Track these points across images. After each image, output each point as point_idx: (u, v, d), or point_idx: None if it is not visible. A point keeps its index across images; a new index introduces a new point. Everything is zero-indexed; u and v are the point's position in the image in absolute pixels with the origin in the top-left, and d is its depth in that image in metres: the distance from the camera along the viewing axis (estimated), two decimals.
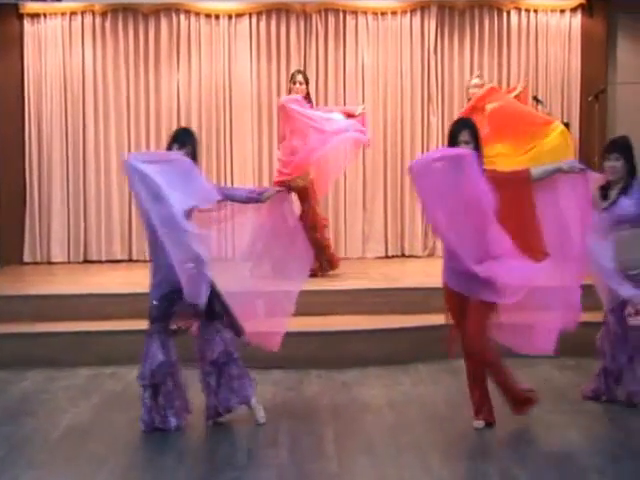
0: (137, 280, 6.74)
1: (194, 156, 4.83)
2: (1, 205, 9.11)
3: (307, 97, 7.64)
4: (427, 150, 9.14)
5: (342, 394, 5.63)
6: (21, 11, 9.16)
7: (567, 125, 8.76)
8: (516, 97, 7.60)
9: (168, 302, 4.79)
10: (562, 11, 9.36)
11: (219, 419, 4.94)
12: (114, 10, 9.17)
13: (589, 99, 8.95)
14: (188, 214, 4.68)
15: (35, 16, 9.18)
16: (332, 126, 7.47)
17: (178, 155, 4.78)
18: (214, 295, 4.78)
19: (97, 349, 6.39)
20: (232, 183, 9.14)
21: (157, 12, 9.23)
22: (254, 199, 5.02)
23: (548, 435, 4.80)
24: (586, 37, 9.31)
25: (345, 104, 9.16)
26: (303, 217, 7.55)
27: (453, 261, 4.67)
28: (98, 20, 9.19)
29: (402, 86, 9.33)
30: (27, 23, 9.20)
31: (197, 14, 9.26)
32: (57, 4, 9.09)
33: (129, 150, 9.15)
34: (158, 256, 4.73)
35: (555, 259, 4.74)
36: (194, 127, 9.17)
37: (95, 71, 9.23)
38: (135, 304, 5.95)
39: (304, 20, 9.28)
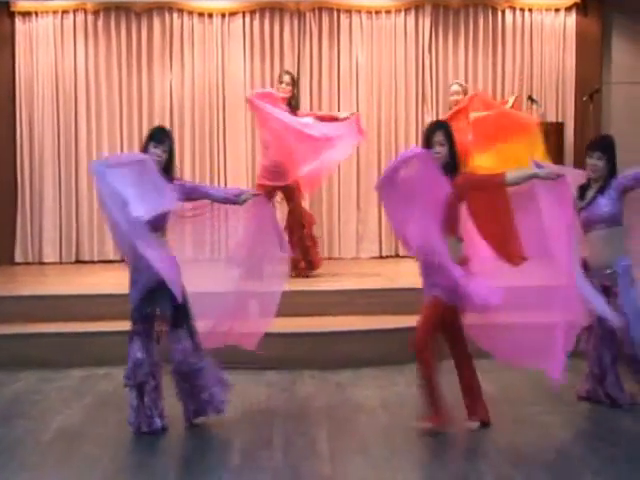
0: None
1: (171, 154, 4.85)
2: None
3: (290, 99, 7.47)
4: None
5: (336, 395, 5.61)
6: (12, 9, 9.13)
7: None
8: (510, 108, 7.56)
9: (147, 303, 4.79)
10: (557, 10, 9.36)
11: (195, 421, 4.93)
12: (106, 8, 9.14)
13: (584, 99, 8.95)
14: (161, 218, 4.69)
15: (26, 14, 9.14)
16: (320, 130, 7.32)
17: (141, 156, 4.82)
18: (183, 302, 4.76)
19: (90, 350, 6.35)
20: (225, 182, 9.12)
21: (150, 11, 9.19)
22: (231, 200, 5.00)
23: (543, 435, 4.78)
24: (581, 36, 9.31)
25: (339, 103, 9.19)
26: (290, 215, 7.57)
27: (430, 277, 4.67)
28: (90, 18, 9.16)
29: (396, 85, 9.32)
30: (18, 21, 9.17)
31: (190, 13, 9.23)
32: (48, 2, 9.06)
33: (122, 150, 9.12)
34: (134, 258, 4.73)
35: (538, 262, 4.73)
36: (187, 126, 9.22)
37: (87, 70, 9.20)
38: (128, 305, 5.88)
39: (298, 19, 9.26)
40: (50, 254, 9.18)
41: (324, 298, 6.90)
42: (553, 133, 8.74)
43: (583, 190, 5.18)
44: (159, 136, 4.87)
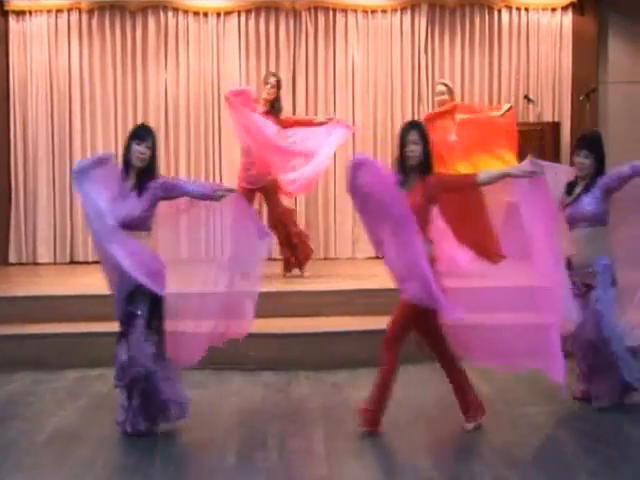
0: None
1: (153, 152, 4.83)
2: None
3: (274, 102, 7.42)
4: None
5: (332, 395, 5.59)
6: (6, 8, 9.11)
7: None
8: (501, 116, 7.43)
9: (127, 303, 4.74)
10: (553, 10, 9.35)
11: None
12: (101, 7, 9.11)
13: (580, 98, 8.93)
14: (137, 217, 4.74)
15: (20, 13, 9.11)
16: (301, 145, 7.30)
17: (108, 155, 4.98)
18: (159, 307, 4.75)
19: (84, 351, 6.31)
20: (220, 181, 9.07)
21: (144, 9, 9.16)
22: (208, 196, 4.96)
23: (539, 436, 4.78)
24: (577, 36, 9.30)
25: (335, 102, 9.18)
26: (270, 216, 7.58)
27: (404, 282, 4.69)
28: (85, 17, 9.13)
29: (392, 85, 9.30)
30: (12, 20, 9.14)
31: (185, 12, 9.21)
32: (43, 1, 9.03)
33: (116, 149, 9.07)
34: (105, 259, 4.77)
35: (517, 262, 4.72)
36: (182, 125, 9.20)
37: (82, 69, 9.17)
38: None
39: (293, 18, 9.24)
40: (44, 254, 9.14)
41: (320, 298, 6.87)
42: (549, 133, 8.74)
43: (571, 187, 5.19)
44: (142, 133, 4.85)
